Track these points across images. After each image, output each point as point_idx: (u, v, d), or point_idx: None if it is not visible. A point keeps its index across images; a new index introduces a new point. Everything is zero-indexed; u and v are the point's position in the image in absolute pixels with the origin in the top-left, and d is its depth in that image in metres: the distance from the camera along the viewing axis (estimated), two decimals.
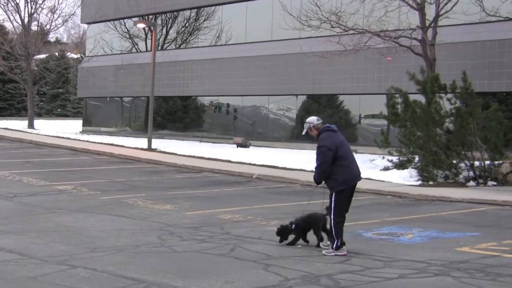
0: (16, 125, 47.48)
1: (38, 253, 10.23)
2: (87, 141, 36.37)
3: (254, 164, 25.65)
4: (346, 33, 26.07)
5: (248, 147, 35.16)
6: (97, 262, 9.65)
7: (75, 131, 47.85)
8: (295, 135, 36.44)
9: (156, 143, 33.68)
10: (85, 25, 53.96)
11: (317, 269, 9.59)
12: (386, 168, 22.92)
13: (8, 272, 9.04)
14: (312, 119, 10.95)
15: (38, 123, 51.63)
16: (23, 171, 22.10)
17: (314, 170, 10.86)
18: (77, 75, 57.17)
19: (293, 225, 11.26)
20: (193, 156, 28.63)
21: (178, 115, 43.74)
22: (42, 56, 77.56)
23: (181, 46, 44.93)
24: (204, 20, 42.72)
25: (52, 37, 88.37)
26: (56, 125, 54.17)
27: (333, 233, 10.66)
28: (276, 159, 26.82)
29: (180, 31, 44.91)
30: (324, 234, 11.17)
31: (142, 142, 34.16)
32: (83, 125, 50.73)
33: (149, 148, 32.20)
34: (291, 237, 11.32)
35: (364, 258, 10.37)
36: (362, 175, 22.37)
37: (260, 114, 39.34)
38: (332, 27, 26.12)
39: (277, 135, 37.80)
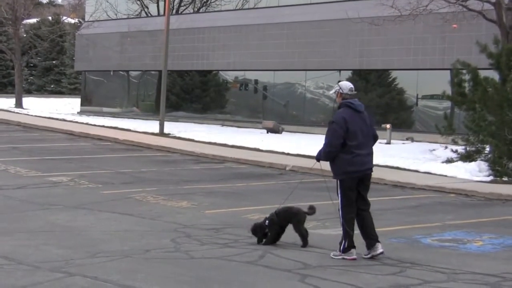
0: (1, 104, 47.89)
1: (28, 257, 10.30)
2: (87, 123, 36.57)
3: (287, 154, 25.61)
4: None
5: (280, 132, 35.13)
6: (98, 270, 9.69)
7: (72, 112, 48.17)
8: None
9: (170, 127, 33.76)
10: None
11: (365, 281, 9.57)
12: (449, 160, 22.77)
13: None
14: (344, 85, 11.27)
15: (28, 101, 52.02)
16: (9, 159, 22.28)
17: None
18: (74, 44, 57.43)
19: (267, 221, 11.61)
20: (214, 143, 28.68)
21: (196, 93, 43.82)
22: (33, 20, 78.07)
23: (200, 10, 44.96)
24: None
25: None
26: (49, 104, 54.60)
27: (342, 232, 10.88)
28: (313, 147, 26.68)
29: None
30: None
31: (153, 126, 34.27)
32: (82, 104, 51.05)
33: (161, 133, 32.29)
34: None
35: (422, 269, 10.32)
36: (420, 168, 22.39)
37: (295, 93, 39.26)
38: None
39: (315, 118, 37.73)
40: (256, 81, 41.01)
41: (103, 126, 35.03)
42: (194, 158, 25.06)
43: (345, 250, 10.82)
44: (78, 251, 10.80)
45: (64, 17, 73.88)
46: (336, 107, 11.37)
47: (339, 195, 10.98)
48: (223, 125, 40.15)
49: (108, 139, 29.86)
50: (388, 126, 30.83)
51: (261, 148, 27.11)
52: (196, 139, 30.11)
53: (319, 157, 11.22)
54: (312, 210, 11.75)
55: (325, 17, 36.06)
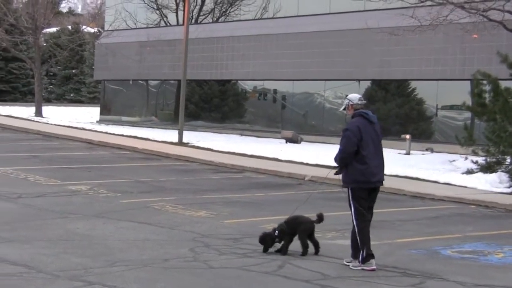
0: (21, 112, 48.14)
1: (48, 266, 10.34)
2: (106, 132, 36.69)
3: (306, 164, 25.57)
4: (422, 4, 25.83)
5: (299, 142, 35.10)
6: (117, 279, 9.72)
7: (91, 121, 48.34)
8: None
9: (188, 136, 33.82)
10: None
11: None
12: (469, 171, 22.67)
13: None
14: (353, 97, 11.46)
15: (47, 110, 52.26)
16: (29, 168, 22.37)
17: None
18: (94, 53, 57.68)
19: (276, 231, 11.73)
20: (233, 153, 28.70)
21: (215, 102, 43.86)
22: (53, 29, 78.52)
23: (220, 19, 45.00)
24: None
25: (64, 7, 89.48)
26: (69, 112, 54.79)
27: (358, 242, 10.92)
28: (332, 157, 26.68)
29: (219, 0, 44.98)
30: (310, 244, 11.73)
31: (171, 135, 34.32)
32: (101, 113, 51.22)
33: (180, 142, 32.34)
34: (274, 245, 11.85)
35: (442, 281, 10.30)
36: (439, 179, 22.26)
37: (314, 102, 39.22)
38: None
39: (334, 128, 37.65)
40: (275, 91, 41.01)
41: (122, 135, 35.14)
42: (212, 168, 25.08)
43: (364, 260, 10.81)
44: (97, 259, 10.83)
45: (84, 26, 74.37)
46: (349, 118, 11.45)
47: (352, 205, 11.05)
48: (242, 134, 40.15)
49: (127, 148, 29.95)
50: (407, 136, 30.73)
51: (280, 158, 27.11)
52: (214, 148, 30.14)
53: (337, 162, 11.31)
54: (319, 218, 11.84)
55: (344, 27, 36.03)
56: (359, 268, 10.80)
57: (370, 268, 10.75)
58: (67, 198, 17.08)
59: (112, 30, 47.91)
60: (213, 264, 10.84)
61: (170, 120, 45.14)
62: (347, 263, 11.02)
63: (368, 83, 36.31)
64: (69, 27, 78.90)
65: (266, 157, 27.34)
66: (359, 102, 11.32)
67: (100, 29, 66.45)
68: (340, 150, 11.12)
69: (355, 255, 10.97)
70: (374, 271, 10.69)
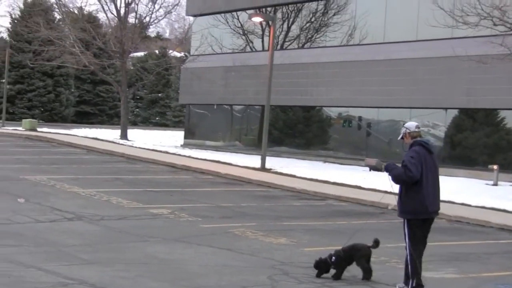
0: (106, 135, 48.96)
1: None
2: (189, 156, 36.98)
3: (390, 193, 25.22)
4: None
5: (383, 171, 34.72)
6: None
7: (175, 144, 48.82)
8: (441, 158, 35.74)
9: (271, 162, 33.84)
10: (191, 18, 55.12)
11: None
12: None
13: None
14: (410, 125, 11.59)
15: (133, 133, 53.04)
16: (112, 190, 22.67)
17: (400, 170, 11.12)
18: (179, 77, 58.40)
19: (333, 258, 11.93)
20: (315, 180, 28.60)
21: (299, 128, 43.84)
22: (140, 53, 79.94)
23: (305, 46, 45.03)
24: (334, 14, 42.73)
25: (152, 31, 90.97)
26: (153, 136, 55.52)
27: (409, 270, 10.96)
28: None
29: (304, 27, 45.05)
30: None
31: (254, 160, 34.40)
32: (185, 137, 51.72)
33: (263, 168, 32.36)
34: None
35: None
36: None
37: (399, 130, 38.77)
38: (495, 24, 25.57)
39: None
40: (359, 118, 40.78)
41: (205, 160, 35.35)
42: (295, 194, 25.01)
43: None
44: (174, 284, 10.84)
45: (171, 51, 75.43)
46: (406, 146, 11.41)
47: (407, 233, 11.06)
48: (325, 161, 39.99)
49: (209, 173, 30.11)
50: (495, 167, 30.13)
51: (363, 186, 26.88)
52: (297, 175, 30.06)
53: (389, 170, 11.25)
54: (376, 243, 12.08)
55: (431, 55, 35.66)
56: None
57: None
58: (148, 222, 17.22)
59: (198, 55, 48.44)
60: None
61: (253, 145, 45.27)
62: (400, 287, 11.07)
63: (455, 112, 35.80)
64: (156, 51, 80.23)
65: (349, 185, 27.17)
66: (416, 130, 11.41)
67: (186, 54, 67.32)
68: (409, 169, 10.90)
69: (407, 281, 11.00)
70: None
